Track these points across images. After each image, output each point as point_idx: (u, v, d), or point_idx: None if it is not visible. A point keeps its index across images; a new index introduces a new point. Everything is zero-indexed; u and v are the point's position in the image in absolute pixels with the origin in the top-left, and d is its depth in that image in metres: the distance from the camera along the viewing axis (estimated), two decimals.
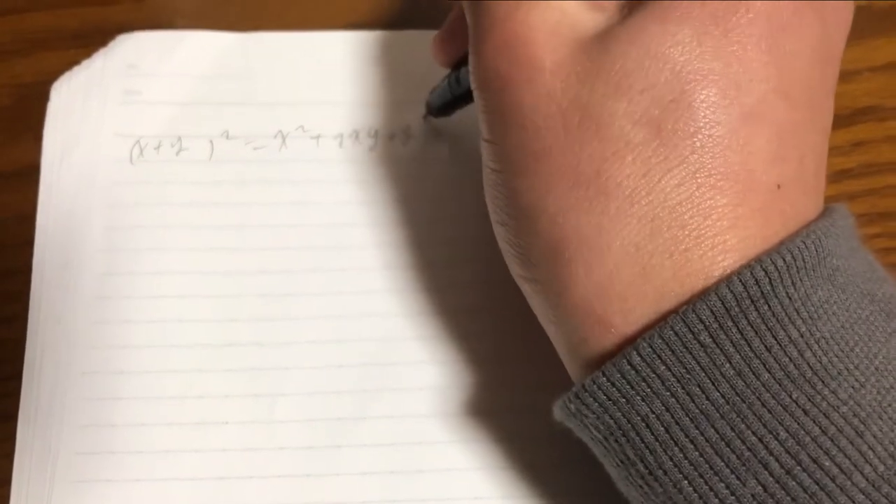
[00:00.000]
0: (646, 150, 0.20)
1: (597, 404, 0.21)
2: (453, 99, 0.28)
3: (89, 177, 0.30)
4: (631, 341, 0.20)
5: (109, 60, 0.32)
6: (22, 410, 0.27)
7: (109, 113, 0.31)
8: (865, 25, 0.34)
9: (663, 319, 0.20)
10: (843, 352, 0.20)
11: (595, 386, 0.20)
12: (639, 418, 0.20)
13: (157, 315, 0.29)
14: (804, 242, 0.20)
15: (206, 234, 0.30)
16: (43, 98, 0.31)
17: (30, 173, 0.30)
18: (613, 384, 0.20)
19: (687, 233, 0.20)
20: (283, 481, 0.27)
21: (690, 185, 0.20)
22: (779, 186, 0.20)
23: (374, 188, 0.31)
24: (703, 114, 0.20)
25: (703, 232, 0.20)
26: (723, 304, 0.19)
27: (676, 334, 0.19)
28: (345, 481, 0.27)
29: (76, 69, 0.32)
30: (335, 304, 0.29)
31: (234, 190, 0.31)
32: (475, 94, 0.23)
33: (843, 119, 0.33)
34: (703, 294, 0.19)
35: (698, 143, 0.20)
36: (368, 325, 0.29)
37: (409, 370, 0.28)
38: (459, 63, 0.28)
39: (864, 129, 0.32)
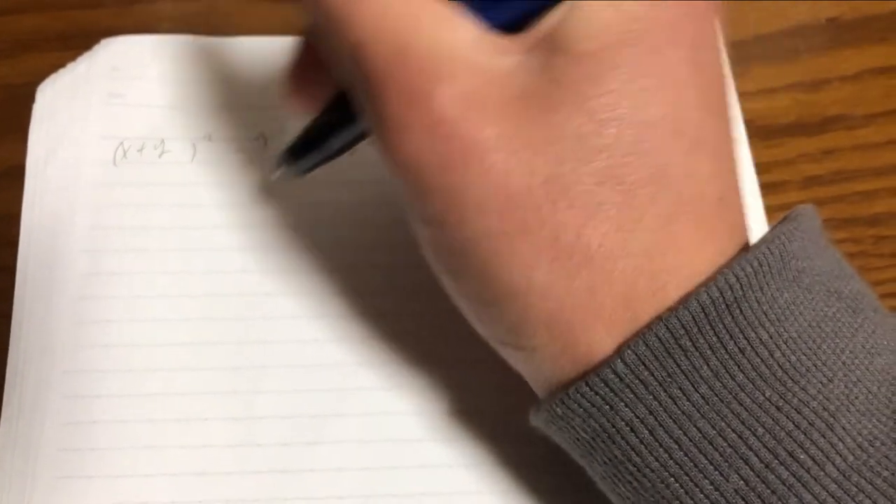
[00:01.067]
0: (614, 207, 0.20)
1: (582, 409, 0.21)
2: (324, 160, 0.25)
3: (73, 178, 0.31)
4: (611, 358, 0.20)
5: (94, 63, 0.32)
6: (4, 408, 0.27)
7: (94, 115, 0.31)
8: (835, 36, 0.35)
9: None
10: (810, 349, 0.20)
11: (579, 394, 0.21)
12: (623, 423, 0.20)
13: (139, 314, 0.29)
14: (769, 248, 0.20)
15: (188, 234, 0.30)
16: (29, 99, 0.31)
17: (15, 173, 0.30)
18: (597, 392, 0.20)
19: (664, 270, 0.20)
20: (261, 477, 0.27)
21: (658, 227, 0.20)
22: (720, 199, 0.21)
23: (353, 188, 0.31)
24: (657, 159, 0.20)
25: (676, 265, 0.20)
26: (702, 308, 0.19)
27: (660, 339, 0.20)
28: (321, 477, 0.27)
29: (61, 71, 0.32)
30: (314, 303, 0.29)
31: (216, 191, 0.31)
32: (401, 177, 0.20)
33: (813, 127, 0.33)
34: (683, 301, 0.20)
35: (659, 187, 0.20)
36: (347, 324, 0.29)
37: (387, 370, 0.29)
38: (325, 108, 0.24)
39: (833, 138, 0.33)
